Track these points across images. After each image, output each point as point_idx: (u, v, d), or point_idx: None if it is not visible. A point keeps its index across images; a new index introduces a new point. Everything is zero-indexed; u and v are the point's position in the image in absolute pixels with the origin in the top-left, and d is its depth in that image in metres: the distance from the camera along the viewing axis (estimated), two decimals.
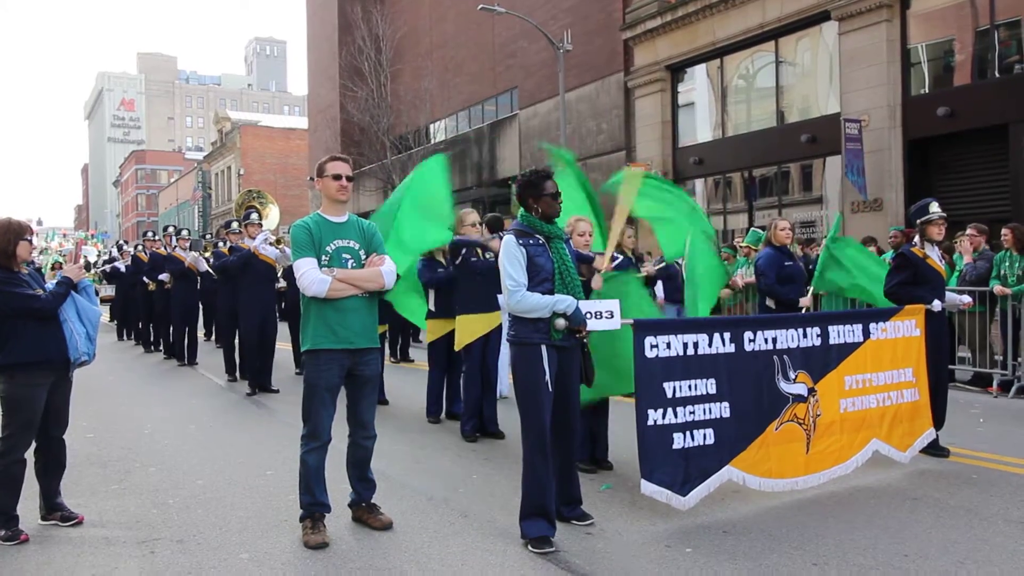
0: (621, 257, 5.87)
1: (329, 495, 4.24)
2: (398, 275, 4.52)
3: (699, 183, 18.77)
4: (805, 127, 15.72)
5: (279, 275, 10.75)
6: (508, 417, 6.33)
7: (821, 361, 4.93)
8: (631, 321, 4.43)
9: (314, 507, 4.16)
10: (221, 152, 53.80)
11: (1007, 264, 8.48)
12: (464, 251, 6.49)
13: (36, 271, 4.84)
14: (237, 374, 9.81)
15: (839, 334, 5.04)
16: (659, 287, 9.69)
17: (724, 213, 18.09)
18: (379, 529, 4.27)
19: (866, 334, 5.17)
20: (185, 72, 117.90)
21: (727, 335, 4.60)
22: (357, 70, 30.20)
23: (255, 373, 8.96)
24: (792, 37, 16.14)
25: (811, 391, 4.84)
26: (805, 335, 4.89)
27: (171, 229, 13.31)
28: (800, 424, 4.78)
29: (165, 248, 12.82)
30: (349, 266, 4.19)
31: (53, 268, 20.94)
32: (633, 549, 4.00)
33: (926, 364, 5.47)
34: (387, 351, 10.50)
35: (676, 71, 18.81)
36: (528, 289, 4.04)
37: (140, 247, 14.71)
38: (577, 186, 5.90)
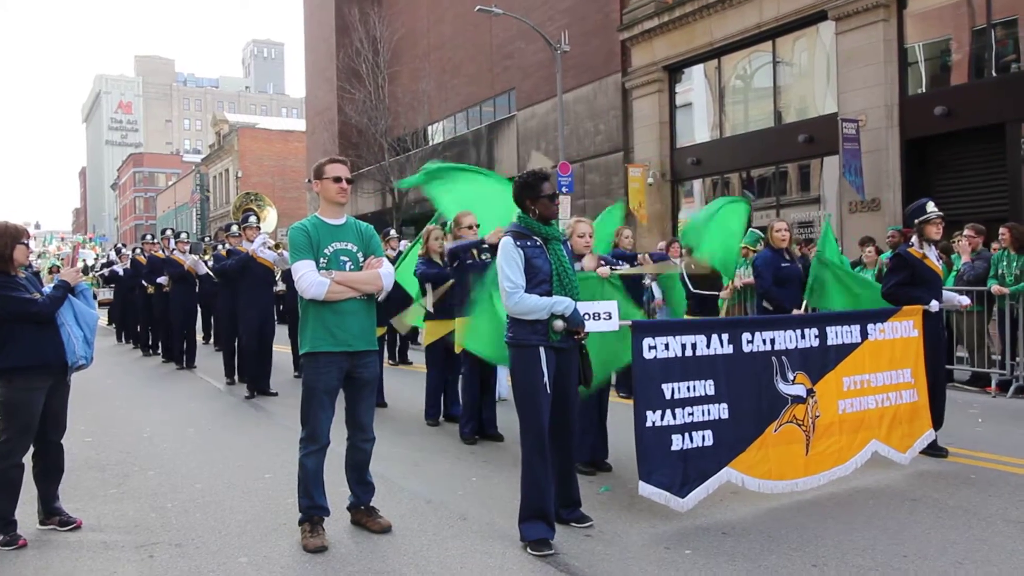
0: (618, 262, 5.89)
1: (328, 498, 4.23)
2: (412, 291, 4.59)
3: (697, 183, 18.79)
4: (803, 127, 15.73)
5: (278, 278, 10.75)
6: (507, 419, 6.33)
7: (819, 362, 4.93)
8: (629, 322, 4.44)
9: (313, 510, 4.15)
10: (219, 155, 53.78)
11: (1005, 263, 8.49)
12: (461, 255, 6.48)
13: (34, 275, 4.83)
14: (236, 377, 9.80)
15: (837, 335, 5.05)
16: (656, 288, 9.70)
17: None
18: (378, 532, 4.26)
19: (864, 335, 5.17)
20: (183, 75, 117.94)
21: (725, 336, 4.61)
22: (355, 72, 30.21)
23: (254, 376, 8.96)
24: (789, 37, 16.16)
25: (810, 392, 4.84)
26: (803, 336, 4.89)
27: (168, 232, 13.30)
28: (799, 425, 4.78)
29: (163, 251, 12.81)
30: (347, 268, 4.19)
31: (51, 271, 20.94)
32: (632, 551, 4.00)
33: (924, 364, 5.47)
34: (386, 353, 10.50)
35: (673, 72, 18.82)
36: (526, 291, 4.03)
37: (139, 250, 14.70)
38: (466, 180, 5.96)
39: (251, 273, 9.02)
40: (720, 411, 4.52)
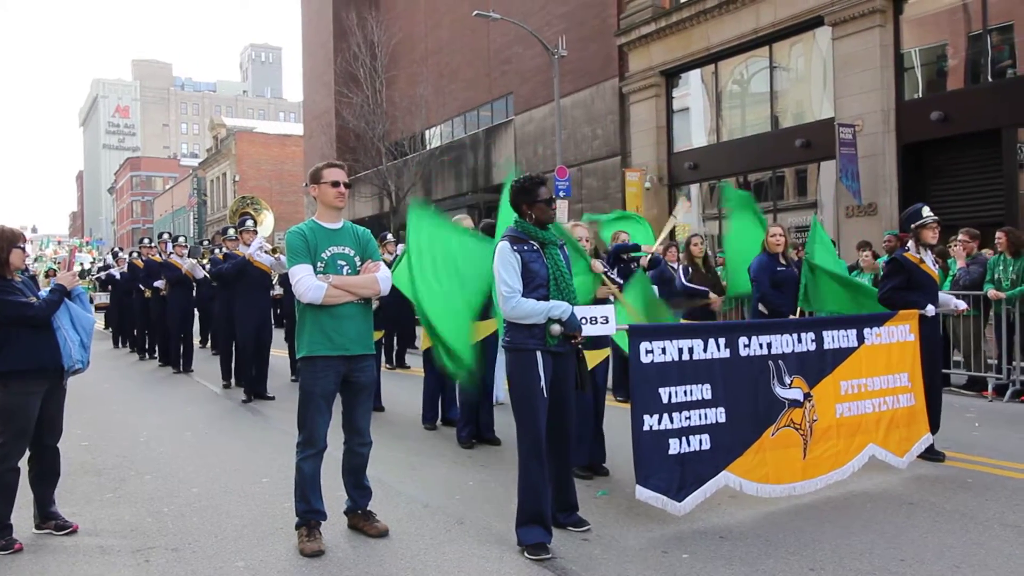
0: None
1: (325, 502, 4.22)
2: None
3: (694, 188, 18.81)
4: (799, 132, 15.76)
5: (275, 282, 10.74)
6: (504, 423, 6.32)
7: (816, 366, 4.94)
8: (626, 327, 4.44)
9: (310, 514, 4.15)
10: (216, 159, 53.77)
11: (1001, 268, 8.51)
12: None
13: (30, 279, 4.82)
14: (233, 381, 9.79)
15: (834, 339, 5.06)
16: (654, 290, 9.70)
17: (719, 218, 18.12)
18: (375, 536, 4.26)
19: (860, 339, 5.18)
20: (180, 79, 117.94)
21: (722, 340, 4.61)
22: (352, 76, 30.22)
23: (251, 380, 8.95)
24: (786, 42, 16.20)
25: (807, 396, 4.85)
26: (800, 340, 4.90)
27: (166, 236, 13.29)
28: (796, 429, 4.79)
29: (160, 255, 12.80)
30: (344, 272, 4.19)
31: (47, 275, 20.90)
32: (630, 555, 4.00)
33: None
34: (383, 357, 10.49)
35: (671, 76, 18.86)
36: (523, 295, 4.04)
37: (136, 254, 14.69)
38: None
39: (248, 277, 9.02)
40: (717, 415, 4.52)
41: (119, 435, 7.19)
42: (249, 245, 9.15)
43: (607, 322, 4.32)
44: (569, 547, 4.07)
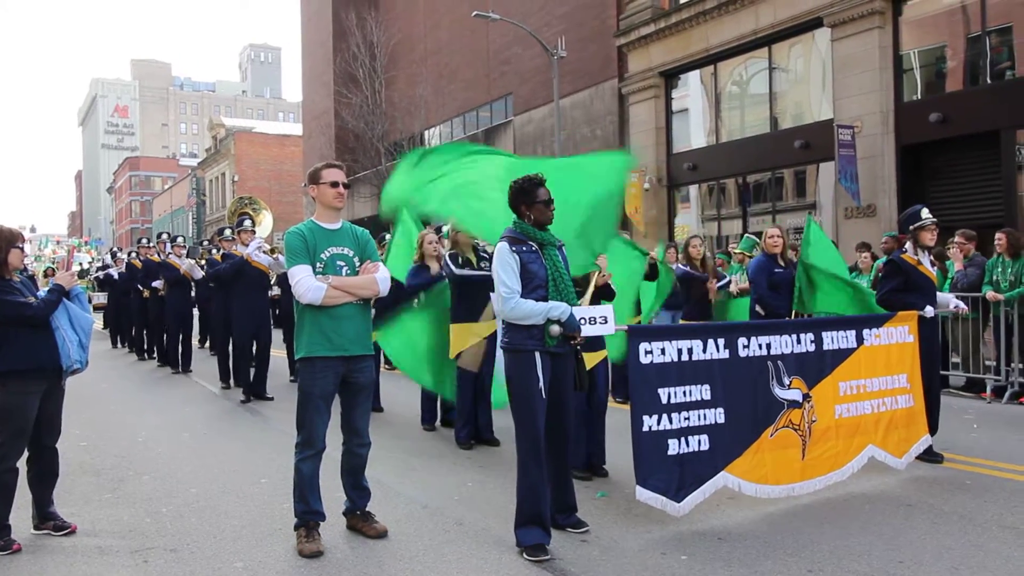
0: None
1: (324, 503, 4.22)
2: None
3: (693, 189, 18.83)
4: (798, 133, 15.78)
5: (273, 282, 10.73)
6: (503, 424, 6.32)
7: (815, 367, 4.95)
8: (625, 327, 4.45)
9: (308, 515, 4.14)
10: (215, 159, 53.75)
11: (999, 270, 8.51)
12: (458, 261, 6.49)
13: (29, 278, 4.81)
14: (231, 381, 9.78)
15: (833, 340, 5.06)
16: None
17: (718, 219, 18.15)
18: (374, 537, 4.25)
19: (860, 340, 5.19)
20: (179, 78, 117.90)
21: (721, 341, 4.62)
22: (352, 76, 30.23)
23: (249, 381, 8.94)
24: (785, 43, 16.21)
25: (806, 397, 4.85)
26: (799, 341, 4.90)
27: (164, 236, 13.28)
28: (795, 430, 4.79)
29: (159, 255, 12.79)
30: (343, 273, 4.19)
31: (46, 275, 20.88)
32: (628, 556, 4.00)
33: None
34: (382, 358, 10.48)
35: (670, 77, 18.87)
36: (522, 296, 4.04)
37: (134, 254, 14.68)
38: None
39: (246, 277, 9.01)
40: (716, 416, 4.52)
41: (117, 435, 7.18)
42: (247, 245, 9.14)
43: (606, 322, 4.32)
44: (568, 548, 4.07)
